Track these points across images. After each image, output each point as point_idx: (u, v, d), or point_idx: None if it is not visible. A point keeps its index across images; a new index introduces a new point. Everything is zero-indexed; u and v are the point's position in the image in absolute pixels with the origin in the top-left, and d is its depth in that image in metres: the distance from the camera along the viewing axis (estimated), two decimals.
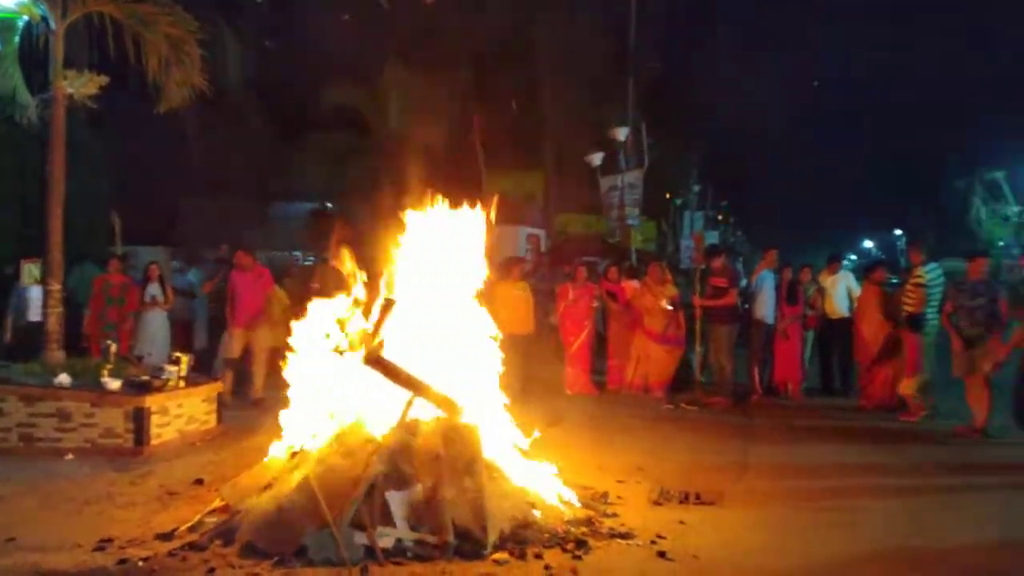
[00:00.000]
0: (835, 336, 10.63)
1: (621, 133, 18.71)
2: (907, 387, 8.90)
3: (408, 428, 4.99)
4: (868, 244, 58.20)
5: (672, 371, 10.39)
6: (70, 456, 6.61)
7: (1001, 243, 32.74)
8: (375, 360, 5.11)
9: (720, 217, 35.77)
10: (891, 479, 6.38)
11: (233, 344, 9.38)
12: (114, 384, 6.94)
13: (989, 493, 5.91)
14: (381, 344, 5.22)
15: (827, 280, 10.82)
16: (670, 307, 10.29)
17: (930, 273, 8.92)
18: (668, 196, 25.90)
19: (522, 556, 4.40)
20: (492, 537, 4.49)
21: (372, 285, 5.75)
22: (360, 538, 4.38)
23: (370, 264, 5.90)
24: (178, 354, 7.80)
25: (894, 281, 10.70)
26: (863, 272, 10.71)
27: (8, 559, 4.31)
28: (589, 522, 4.95)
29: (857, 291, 10.53)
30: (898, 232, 47.52)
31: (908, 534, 5.03)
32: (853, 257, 46.09)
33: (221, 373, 9.15)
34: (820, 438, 8.03)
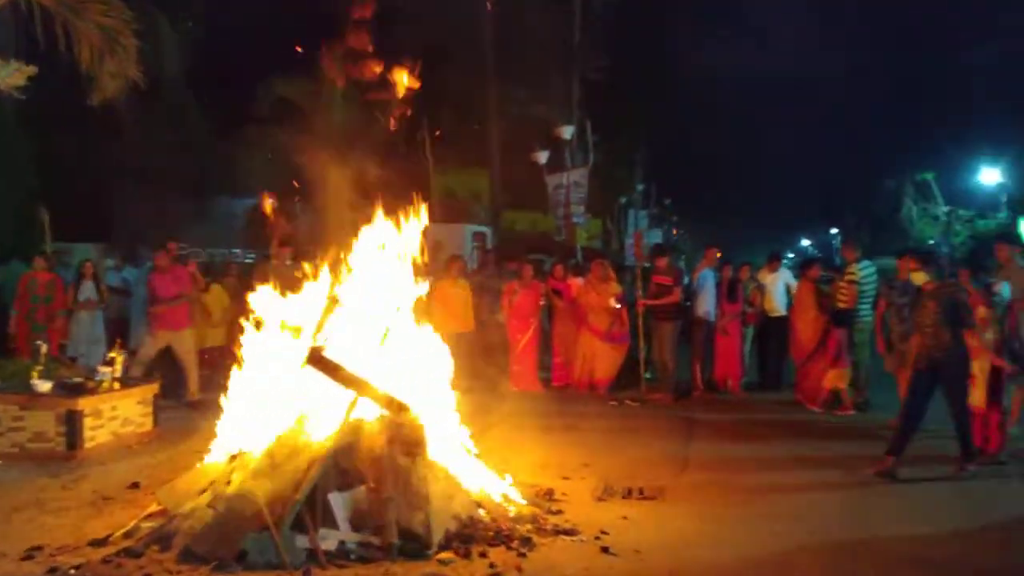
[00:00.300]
0: (773, 332, 10.90)
1: (566, 131, 18.87)
2: (831, 380, 9.20)
3: (351, 428, 4.93)
4: (805, 242, 59.85)
5: (617, 368, 10.49)
6: None
7: (931, 241, 34.05)
8: (317, 360, 5.04)
9: (668, 216, 36.35)
10: (826, 472, 6.57)
11: (150, 346, 9.10)
12: (45, 386, 6.70)
13: (918, 484, 6.12)
14: (323, 344, 5.15)
15: (767, 278, 11.09)
16: (617, 305, 10.39)
17: (863, 271, 9.23)
18: (615, 196, 26.23)
19: (467, 555, 4.40)
20: (437, 537, 4.48)
21: (315, 284, 5.67)
22: (302, 541, 4.33)
23: (313, 262, 5.82)
24: (113, 354, 7.56)
25: (829, 278, 11.02)
26: (799, 269, 11.01)
27: None
28: (534, 519, 4.98)
29: (795, 288, 10.82)
30: (834, 231, 48.97)
31: (841, 525, 5.19)
32: (791, 255, 47.34)
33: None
34: (759, 432, 8.22)
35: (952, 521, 5.28)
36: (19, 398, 6.66)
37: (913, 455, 6.38)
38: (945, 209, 34.08)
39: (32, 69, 8.59)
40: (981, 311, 6.89)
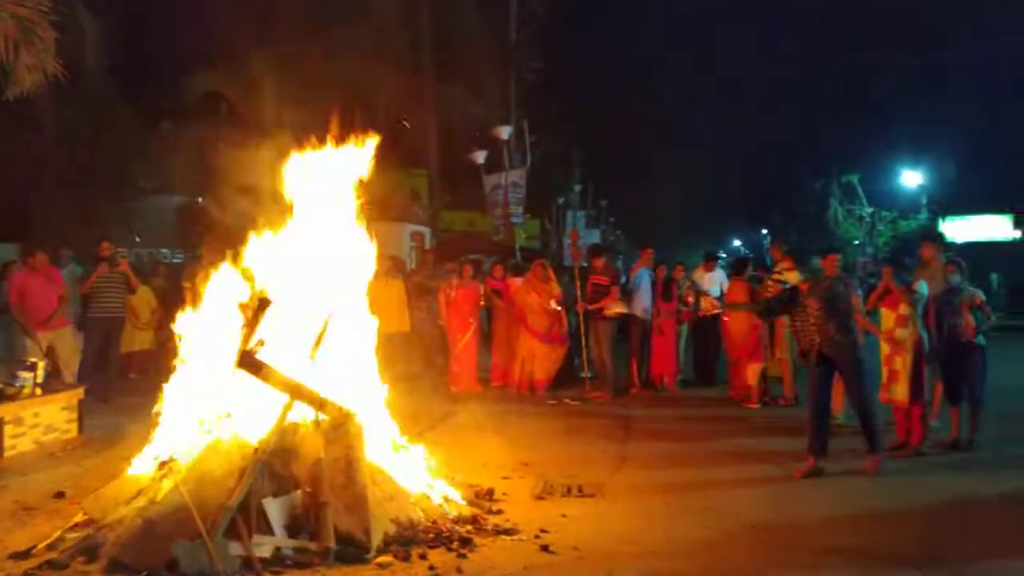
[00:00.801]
0: (707, 330, 11.16)
1: (504, 132, 18.89)
2: (751, 375, 9.49)
3: (286, 432, 4.83)
4: (737, 243, 61.40)
5: (556, 368, 10.53)
6: None
7: (856, 242, 35.38)
8: (249, 363, 4.92)
9: (605, 217, 36.75)
10: (759, 466, 6.75)
11: (34, 350, 8.69)
12: None
13: (844, 477, 6.32)
14: (256, 346, 5.03)
15: (703, 277, 11.35)
16: (558, 308, 10.42)
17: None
18: (553, 196, 26.40)
19: (406, 558, 4.36)
20: (375, 540, 4.43)
21: (246, 284, 5.54)
22: (236, 548, 4.22)
23: (244, 261, 5.68)
24: (33, 359, 7.25)
25: (760, 277, 11.33)
26: (731, 269, 11.29)
27: None
28: (474, 520, 4.98)
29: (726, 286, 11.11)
30: (764, 231, 50.34)
31: (772, 517, 5.34)
32: (723, 255, 48.52)
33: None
34: (695, 429, 8.38)
35: (874, 511, 5.47)
36: None
37: (837, 449, 6.59)
38: (869, 210, 35.48)
39: None
40: (903, 308, 7.18)
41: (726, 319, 10.30)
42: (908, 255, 8.22)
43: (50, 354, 8.65)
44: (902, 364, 7.08)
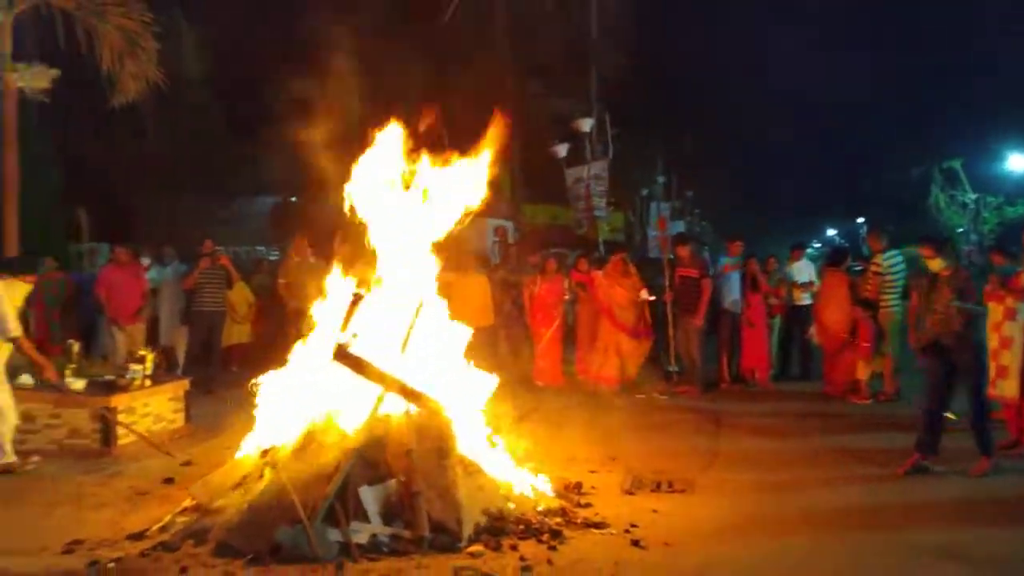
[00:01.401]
0: (797, 323, 10.84)
1: (585, 124, 18.78)
2: (861, 371, 9.15)
3: (379, 423, 4.96)
4: (831, 232, 59.22)
5: (641, 362, 10.33)
6: (36, 459, 6.46)
7: (960, 229, 33.58)
8: (344, 356, 5.07)
9: (690, 209, 36.12)
10: (857, 464, 6.51)
11: (116, 342, 9.31)
12: (78, 384, 6.80)
13: (950, 478, 6.01)
14: (350, 340, 5.18)
15: (791, 267, 11.02)
16: (652, 297, 10.17)
17: (888, 260, 9.12)
18: (636, 188, 26.09)
19: (497, 548, 4.41)
20: (467, 530, 4.50)
21: (339, 280, 5.71)
22: (334, 535, 4.36)
23: (337, 259, 5.86)
24: (142, 352, 7.67)
25: (858, 268, 10.94)
26: (828, 259, 10.91)
27: None
28: (563, 513, 4.99)
29: (816, 278, 10.78)
30: (860, 220, 48.38)
31: (871, 519, 5.12)
32: (817, 245, 46.83)
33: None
34: (787, 425, 8.16)
35: (982, 513, 5.21)
36: (54, 396, 6.76)
37: (952, 446, 6.28)
38: (973, 196, 33.58)
39: (55, 72, 8.72)
40: (1010, 301, 6.78)
41: (819, 311, 9.97)
42: (1014, 243, 7.72)
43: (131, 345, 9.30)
44: (1011, 359, 6.69)
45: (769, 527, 4.91)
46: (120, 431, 6.80)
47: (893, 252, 9.31)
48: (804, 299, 10.79)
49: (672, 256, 10.63)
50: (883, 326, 9.07)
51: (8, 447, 6.18)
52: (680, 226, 27.77)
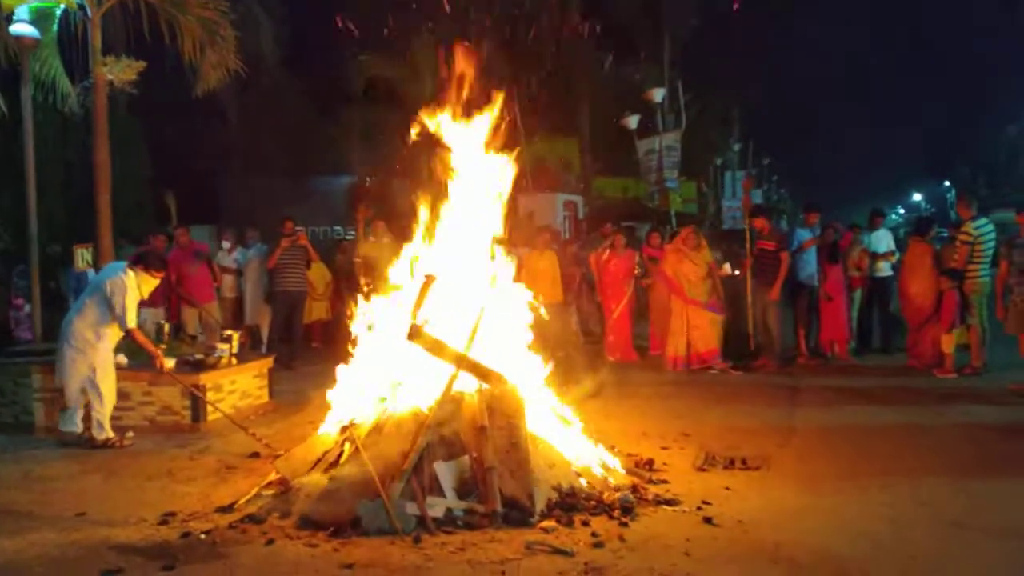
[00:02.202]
0: (877, 294, 10.49)
1: (657, 94, 18.46)
2: (947, 344, 8.81)
3: (453, 400, 5.07)
4: (916, 197, 56.61)
5: (719, 337, 9.90)
6: (131, 433, 6.87)
7: None
8: (418, 335, 5.19)
9: (768, 177, 35.06)
10: (943, 441, 6.30)
11: (188, 320, 9.89)
12: (169, 363, 7.15)
13: None
14: (424, 320, 5.29)
15: (871, 236, 10.66)
16: (736, 272, 9.82)
17: (979, 228, 8.72)
18: (710, 157, 25.47)
19: (569, 523, 4.47)
20: (539, 505, 4.57)
21: (412, 260, 5.82)
22: (411, 508, 4.49)
23: (410, 237, 5.96)
24: (229, 332, 8.01)
25: (944, 236, 10.50)
26: (915, 228, 10.49)
27: (80, 533, 4.53)
28: (635, 489, 5.00)
29: (894, 248, 10.41)
30: (947, 184, 46.11)
31: (961, 500, 4.95)
32: (901, 211, 44.92)
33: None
34: (867, 400, 7.94)
35: None
36: (147, 374, 7.14)
37: None
38: None
39: (141, 64, 9.07)
40: None
41: (903, 282, 9.62)
42: None
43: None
44: None
45: (847, 507, 4.81)
46: (208, 408, 7.14)
47: (983, 220, 8.89)
48: (884, 270, 10.42)
49: (750, 228, 10.39)
50: (970, 297, 8.70)
51: (107, 424, 6.57)
52: (757, 195, 27.04)
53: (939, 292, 9.08)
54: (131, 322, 6.49)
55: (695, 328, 9.79)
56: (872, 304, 10.62)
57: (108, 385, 6.61)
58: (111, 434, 6.58)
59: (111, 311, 6.45)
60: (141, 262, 6.66)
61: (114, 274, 6.54)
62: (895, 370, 9.46)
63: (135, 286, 6.53)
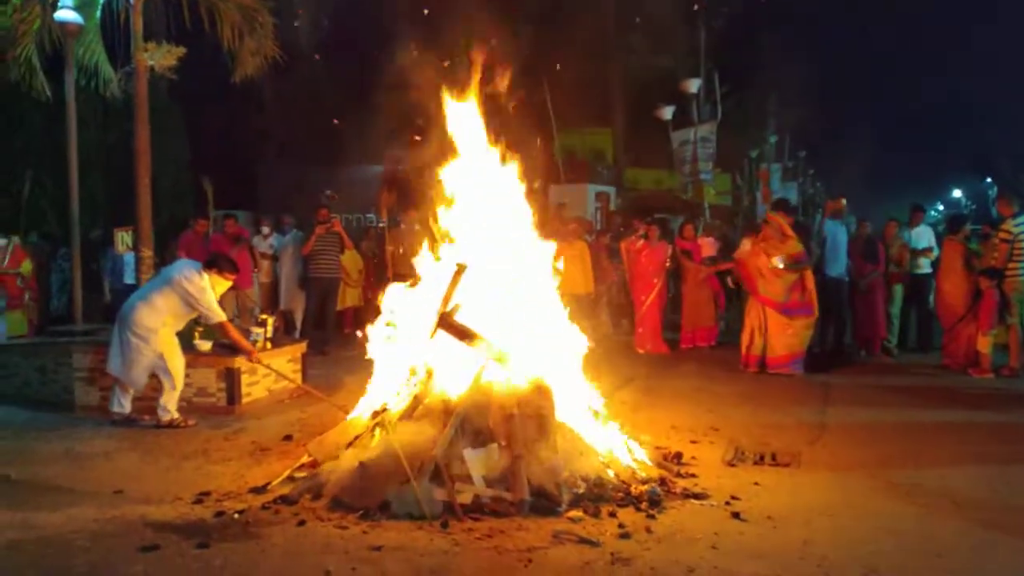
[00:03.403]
0: (916, 291, 10.32)
1: (693, 85, 18.28)
2: (983, 344, 8.65)
3: (482, 389, 5.11)
4: (957, 193, 55.34)
5: (800, 343, 8.99)
6: (193, 421, 6.97)
7: None
8: (448, 324, 5.23)
9: (804, 170, 34.55)
10: (976, 442, 6.21)
11: (224, 304, 9.97)
12: (205, 346, 7.29)
13: None
14: (454, 308, 5.33)
15: (911, 232, 10.48)
16: (780, 266, 8.89)
17: (1019, 226, 8.54)
18: (745, 149, 25.15)
19: (596, 514, 4.49)
20: (566, 495, 4.60)
21: (444, 248, 5.86)
22: (440, 494, 4.55)
23: (441, 227, 5.99)
24: (264, 316, 8.13)
25: (982, 233, 10.28)
26: (948, 226, 10.30)
27: (117, 510, 4.65)
28: (663, 482, 5.00)
29: (934, 244, 10.22)
30: (988, 180, 45.03)
31: (986, 497, 4.91)
32: (940, 207, 43.98)
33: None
34: (900, 398, 7.84)
35: None
36: (185, 356, 7.27)
37: None
38: None
39: (181, 50, 9.20)
40: None
41: (939, 281, 9.45)
42: None
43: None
44: None
45: (877, 505, 4.76)
46: (243, 390, 7.26)
47: None
48: (924, 266, 10.25)
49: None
50: (1010, 296, 8.53)
51: (172, 406, 6.75)
52: (793, 189, 26.64)
53: (972, 291, 8.91)
54: (220, 315, 6.75)
55: (767, 330, 9.05)
56: (911, 301, 10.46)
57: (178, 368, 6.80)
58: (177, 415, 6.76)
59: (189, 308, 6.69)
60: (215, 266, 6.86)
61: (190, 273, 6.72)
62: (929, 369, 9.32)
63: (210, 287, 6.75)
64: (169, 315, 6.72)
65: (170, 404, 6.74)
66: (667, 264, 10.70)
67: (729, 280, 10.53)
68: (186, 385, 7.23)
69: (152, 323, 6.66)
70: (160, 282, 6.89)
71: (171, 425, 6.67)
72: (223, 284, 6.94)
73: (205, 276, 6.73)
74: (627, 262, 10.80)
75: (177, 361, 6.80)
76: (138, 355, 6.66)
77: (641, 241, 10.67)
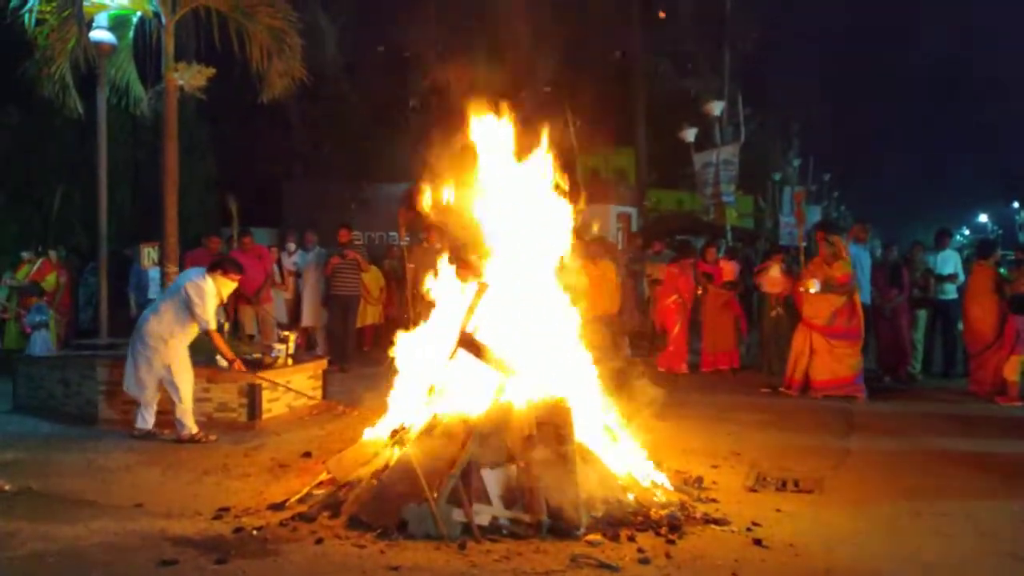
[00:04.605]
0: (941, 317, 10.18)
1: (716, 107, 18.31)
2: (1010, 371, 8.50)
3: (501, 409, 5.09)
4: (983, 218, 54.69)
5: (847, 369, 8.81)
6: (214, 436, 7.02)
7: None
8: (469, 343, 5.23)
9: (828, 193, 34.34)
10: (1002, 471, 6.08)
11: (244, 319, 10.14)
12: (224, 362, 7.33)
13: None
14: (475, 327, 5.33)
15: (936, 257, 10.36)
16: (813, 291, 8.75)
17: None
18: (768, 172, 25.08)
19: (615, 538, 4.44)
20: (585, 519, 4.55)
21: (465, 266, 5.88)
22: (458, 514, 4.53)
23: (462, 245, 6.01)
24: (285, 332, 8.18)
25: (1011, 259, 10.13)
26: (978, 250, 10.16)
27: (137, 524, 4.67)
28: (683, 507, 4.94)
29: (961, 270, 10.08)
30: (1016, 205, 44.47)
31: (1020, 535, 4.77)
32: (966, 232, 43.46)
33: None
34: (925, 425, 7.71)
35: None
36: (206, 372, 7.33)
37: None
38: None
39: (211, 71, 9.35)
40: None
41: (966, 306, 9.31)
42: None
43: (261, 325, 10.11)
44: None
45: (901, 534, 4.68)
46: (264, 406, 7.30)
47: None
48: (949, 292, 10.11)
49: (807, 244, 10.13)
50: None
51: (188, 420, 6.79)
52: (816, 212, 26.49)
53: (1001, 317, 8.77)
54: (211, 324, 6.77)
55: (814, 353, 8.88)
56: (935, 327, 10.31)
57: (185, 381, 6.84)
58: (195, 429, 6.80)
59: (190, 313, 6.72)
60: (219, 267, 6.92)
61: (194, 278, 6.80)
62: (955, 395, 9.17)
63: (215, 291, 6.81)
64: (176, 324, 6.76)
65: (186, 419, 6.77)
66: (698, 291, 10.61)
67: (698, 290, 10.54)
68: (207, 400, 7.30)
69: (161, 331, 6.72)
70: (170, 292, 7.00)
71: (192, 440, 6.71)
72: (228, 285, 6.98)
73: (209, 280, 6.79)
74: (670, 287, 10.65)
75: (185, 375, 6.83)
76: (147, 366, 6.74)
77: (677, 268, 10.56)
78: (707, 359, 10.63)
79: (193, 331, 6.88)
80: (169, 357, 6.77)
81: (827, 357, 8.83)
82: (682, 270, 10.49)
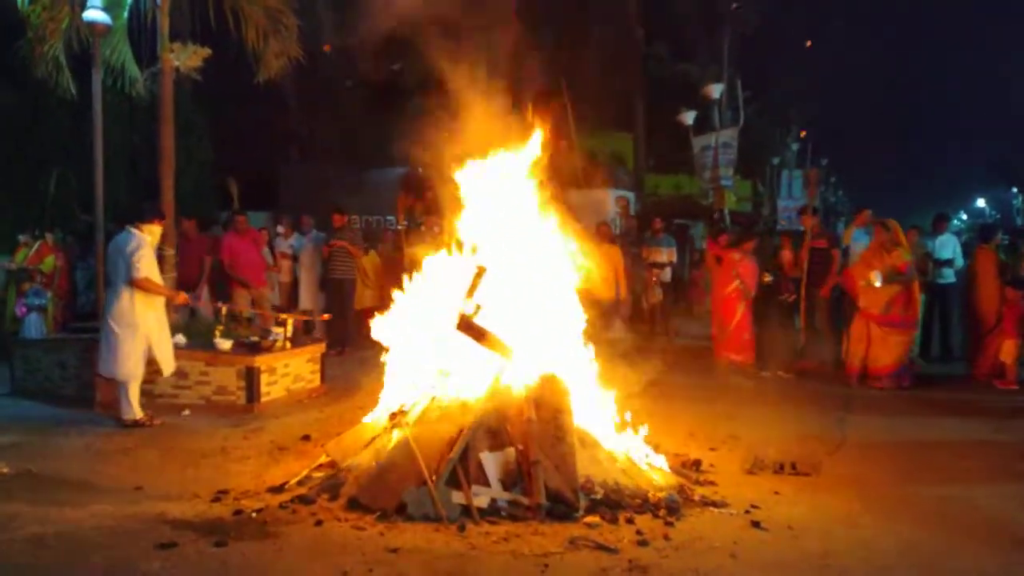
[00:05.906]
0: (939, 301, 10.18)
1: (715, 90, 18.21)
2: (1007, 353, 8.51)
3: (500, 392, 5.09)
4: (980, 203, 54.67)
5: (900, 357, 8.78)
6: (187, 412, 7.06)
7: None
8: (467, 326, 5.22)
9: (825, 177, 34.29)
10: (1000, 456, 6.10)
11: (240, 302, 10.05)
12: (226, 345, 7.34)
13: None
14: (474, 311, 5.31)
15: (934, 242, 10.35)
16: (877, 284, 8.57)
17: None
18: (767, 156, 25.00)
19: (613, 520, 4.46)
20: (583, 501, 4.57)
21: (463, 250, 5.85)
22: (457, 497, 4.54)
23: (460, 228, 5.98)
24: (283, 316, 8.16)
25: (1007, 243, 10.13)
26: (980, 234, 10.15)
27: (137, 507, 4.68)
28: (681, 489, 4.96)
29: (959, 255, 10.07)
30: (1014, 189, 44.46)
31: (1013, 515, 4.80)
32: (964, 217, 43.48)
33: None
34: (923, 409, 7.73)
35: None
36: (204, 355, 7.35)
37: None
38: None
39: (207, 51, 9.27)
40: None
41: (967, 290, 9.30)
42: None
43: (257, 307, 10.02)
44: None
45: (898, 517, 4.69)
46: (262, 389, 7.30)
47: None
48: (947, 276, 10.11)
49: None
50: None
51: (135, 403, 6.72)
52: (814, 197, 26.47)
53: (1002, 301, 8.77)
54: (141, 272, 6.63)
55: (870, 341, 8.82)
56: (934, 311, 10.31)
57: (165, 352, 6.83)
58: (140, 414, 6.72)
59: (131, 268, 6.63)
60: (138, 218, 6.92)
61: (126, 236, 6.78)
62: (954, 380, 9.19)
63: (147, 241, 6.78)
64: (135, 291, 6.67)
65: (134, 400, 6.71)
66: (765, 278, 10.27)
67: (764, 276, 10.27)
68: (205, 383, 7.30)
69: (125, 306, 6.66)
70: (111, 264, 6.88)
71: (136, 425, 6.64)
72: (155, 230, 6.99)
73: (136, 232, 6.78)
74: (730, 272, 10.32)
75: (164, 346, 6.84)
76: (126, 345, 6.66)
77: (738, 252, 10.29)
78: (718, 345, 10.36)
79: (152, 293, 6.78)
80: (145, 327, 6.72)
81: (879, 345, 8.76)
82: (744, 255, 10.17)
